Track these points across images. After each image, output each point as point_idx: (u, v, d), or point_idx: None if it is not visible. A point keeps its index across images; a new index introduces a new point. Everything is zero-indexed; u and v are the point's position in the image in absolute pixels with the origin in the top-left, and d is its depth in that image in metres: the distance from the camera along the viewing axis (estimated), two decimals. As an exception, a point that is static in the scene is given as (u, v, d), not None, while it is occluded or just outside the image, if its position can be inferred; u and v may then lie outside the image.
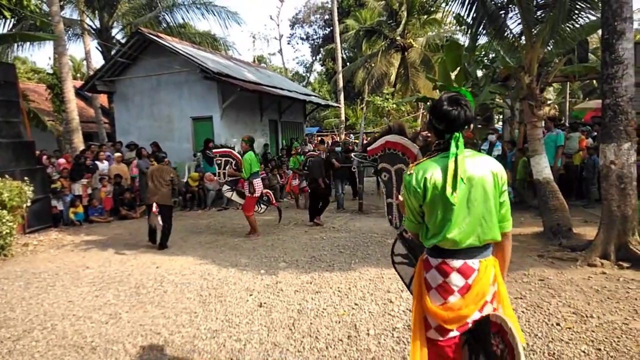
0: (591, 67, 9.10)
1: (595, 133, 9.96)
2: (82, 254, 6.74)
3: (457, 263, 1.91)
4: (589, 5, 6.50)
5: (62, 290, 4.95)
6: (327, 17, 35.65)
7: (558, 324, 3.53)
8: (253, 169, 7.26)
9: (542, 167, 6.49)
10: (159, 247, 6.90)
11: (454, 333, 1.90)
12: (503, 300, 1.99)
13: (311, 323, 3.78)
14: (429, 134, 2.13)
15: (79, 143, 12.25)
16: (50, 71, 18.93)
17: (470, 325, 1.90)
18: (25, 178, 7.56)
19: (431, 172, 1.91)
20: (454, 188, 1.83)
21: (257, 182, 7.41)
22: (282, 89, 15.72)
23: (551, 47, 7.04)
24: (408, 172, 2.00)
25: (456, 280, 1.90)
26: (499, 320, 1.80)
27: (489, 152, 7.69)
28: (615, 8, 5.01)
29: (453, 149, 1.88)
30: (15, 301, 4.66)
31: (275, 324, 3.80)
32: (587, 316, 3.65)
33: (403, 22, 24.53)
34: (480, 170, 1.91)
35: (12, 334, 3.82)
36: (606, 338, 3.27)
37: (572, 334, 3.36)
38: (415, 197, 1.96)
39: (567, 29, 6.71)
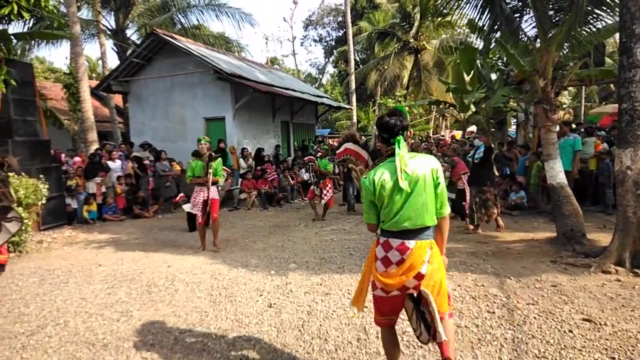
0: (608, 71, 8.96)
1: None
2: (95, 252, 6.83)
3: (396, 242, 2.48)
4: (605, 9, 6.40)
5: (75, 288, 5.01)
6: (340, 19, 35.71)
7: (571, 331, 3.48)
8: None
9: (556, 172, 6.41)
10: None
11: (396, 292, 2.53)
12: (442, 279, 2.53)
13: (320, 325, 3.78)
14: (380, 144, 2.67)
15: (93, 142, 12.41)
16: (67, 71, 19.23)
17: (410, 290, 2.50)
18: (41, 176, 7.69)
19: (379, 174, 2.49)
20: (402, 179, 2.39)
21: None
22: (294, 90, 15.75)
23: (567, 50, 6.95)
24: (364, 177, 2.58)
25: (394, 255, 2.48)
26: (425, 295, 2.43)
27: (472, 156, 7.32)
28: (633, 11, 4.93)
29: (397, 150, 2.45)
30: (30, 297, 4.73)
31: (285, 325, 3.80)
32: (600, 324, 3.58)
33: (416, 24, 24.44)
34: (420, 168, 2.46)
35: (26, 329, 3.88)
36: (620, 346, 3.21)
37: (585, 342, 3.30)
38: (367, 194, 2.54)
39: (584, 32, 6.62)
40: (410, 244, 2.46)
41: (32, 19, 11.99)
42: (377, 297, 2.63)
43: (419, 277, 2.45)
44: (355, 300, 2.79)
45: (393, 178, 2.43)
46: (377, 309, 2.68)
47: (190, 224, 8.12)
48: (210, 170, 6.53)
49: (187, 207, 7.63)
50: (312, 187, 9.45)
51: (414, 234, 2.47)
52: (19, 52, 17.12)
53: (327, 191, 9.07)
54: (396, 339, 2.81)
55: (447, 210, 2.57)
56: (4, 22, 8.43)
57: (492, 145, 9.95)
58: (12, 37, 8.53)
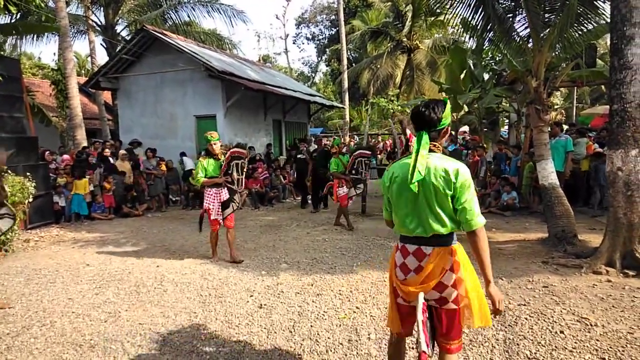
0: (599, 72, 9.02)
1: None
2: (82, 251, 6.72)
3: (412, 248, 2.30)
4: (592, 12, 6.44)
5: (62, 287, 4.93)
6: (333, 17, 35.65)
7: (562, 332, 3.48)
8: None
9: (548, 172, 6.42)
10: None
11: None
12: (469, 290, 2.23)
13: (311, 326, 3.75)
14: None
15: (81, 139, 12.24)
16: (55, 67, 18.97)
17: (431, 302, 2.28)
18: (28, 174, 7.55)
19: (398, 170, 2.31)
20: (411, 178, 2.13)
21: None
22: (286, 88, 15.67)
23: (559, 51, 6.98)
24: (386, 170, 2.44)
25: (412, 261, 2.30)
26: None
27: None
28: (624, 13, 4.95)
29: (416, 146, 2.19)
30: (15, 297, 4.64)
31: (275, 326, 3.76)
32: (591, 324, 3.59)
33: (409, 23, 24.44)
34: (438, 170, 2.17)
35: (11, 330, 3.80)
36: (610, 347, 3.22)
37: (576, 343, 3.31)
38: (383, 189, 2.41)
39: (575, 33, 6.65)
40: (427, 250, 2.25)
41: (19, 14, 11.81)
42: (397, 305, 2.44)
43: (441, 287, 2.22)
44: (390, 321, 2.51)
45: (404, 176, 2.21)
46: (394, 316, 2.48)
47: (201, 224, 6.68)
48: (240, 170, 5.86)
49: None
50: (342, 190, 7.90)
51: (429, 241, 2.25)
52: (9, 48, 16.88)
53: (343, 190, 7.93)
54: (404, 349, 2.61)
55: (476, 223, 2.15)
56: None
57: (485, 146, 9.99)
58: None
